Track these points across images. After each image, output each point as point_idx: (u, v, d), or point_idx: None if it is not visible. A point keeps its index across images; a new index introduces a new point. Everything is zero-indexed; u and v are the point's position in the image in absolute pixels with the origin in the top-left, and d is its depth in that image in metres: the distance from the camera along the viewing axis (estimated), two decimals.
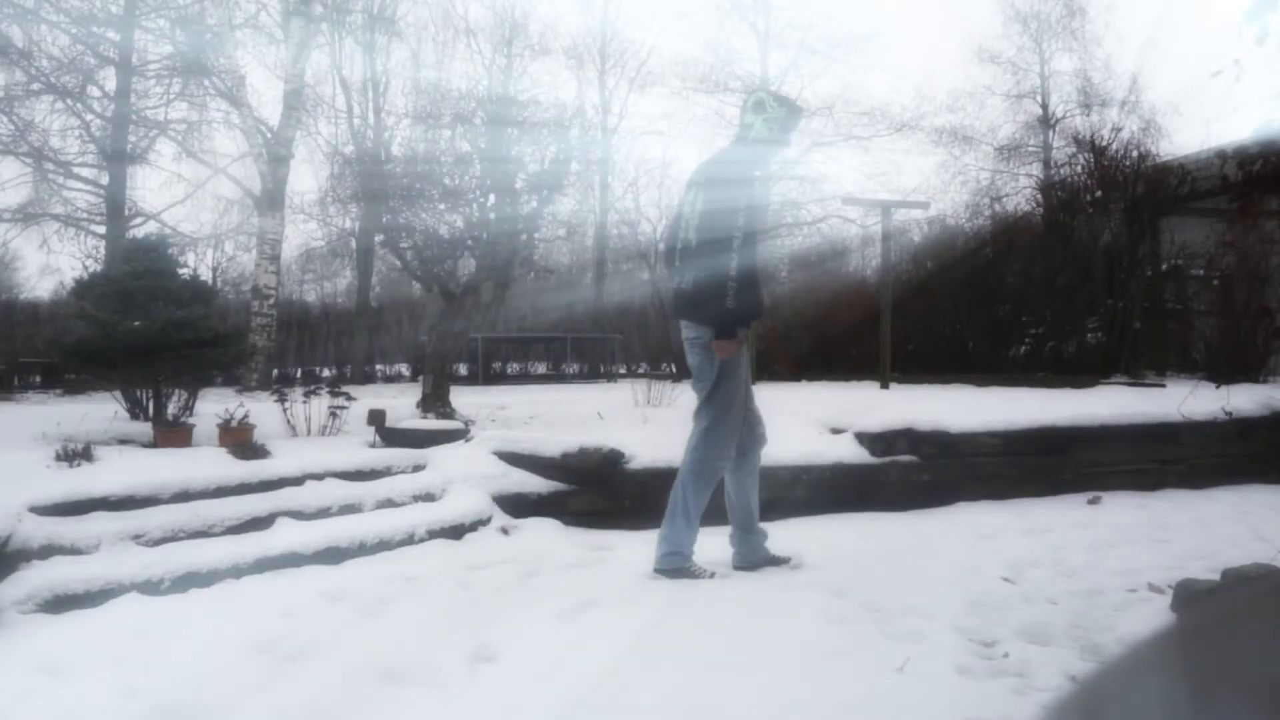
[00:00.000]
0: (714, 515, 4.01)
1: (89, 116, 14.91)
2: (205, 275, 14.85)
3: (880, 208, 9.52)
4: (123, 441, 5.51)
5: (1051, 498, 5.54)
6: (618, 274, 22.03)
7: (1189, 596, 3.19)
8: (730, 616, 3.22)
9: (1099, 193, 10.47)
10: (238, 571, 3.79)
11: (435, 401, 6.73)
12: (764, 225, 4.10)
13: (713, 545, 4.04)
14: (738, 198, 3.78)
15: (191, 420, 6.04)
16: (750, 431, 3.99)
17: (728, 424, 3.82)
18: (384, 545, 4.27)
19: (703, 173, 3.97)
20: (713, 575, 3.78)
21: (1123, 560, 4.01)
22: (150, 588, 3.54)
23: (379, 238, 8.93)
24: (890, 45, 37.73)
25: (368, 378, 15.09)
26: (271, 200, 12.18)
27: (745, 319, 3.83)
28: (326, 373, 15.02)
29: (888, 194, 21.17)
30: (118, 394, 6.57)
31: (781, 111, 3.96)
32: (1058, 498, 5.54)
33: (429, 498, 4.87)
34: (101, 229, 14.81)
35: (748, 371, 4.01)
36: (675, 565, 3.76)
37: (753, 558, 3.98)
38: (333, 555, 4.08)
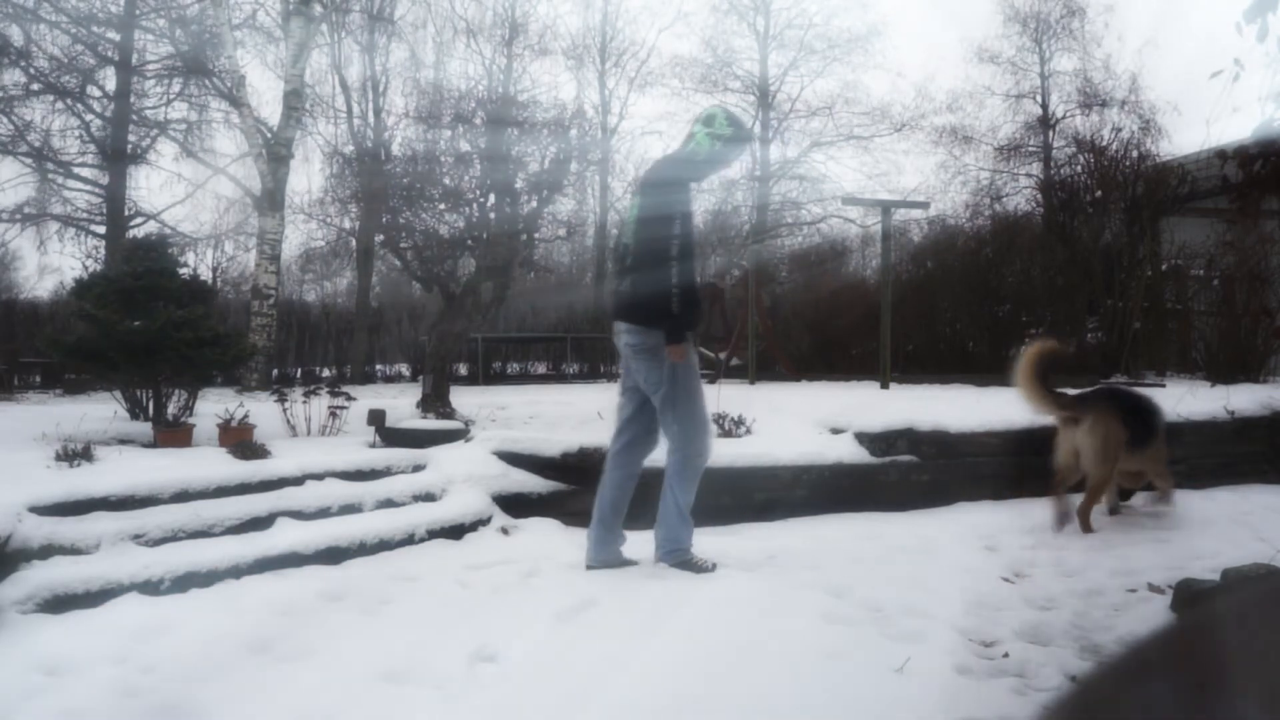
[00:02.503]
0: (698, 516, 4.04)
1: (89, 116, 14.92)
2: (205, 275, 14.81)
3: (880, 208, 9.53)
4: (123, 441, 5.51)
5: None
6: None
7: (1189, 596, 3.19)
8: (730, 616, 3.22)
9: (1099, 193, 10.47)
10: (238, 571, 3.79)
11: (435, 401, 6.73)
12: (695, 235, 4.17)
13: (707, 545, 4.05)
14: (674, 204, 3.80)
15: (191, 420, 6.04)
16: (650, 435, 4.03)
17: (697, 418, 3.89)
18: (384, 545, 4.27)
19: (643, 178, 3.99)
20: (714, 567, 3.87)
21: (1123, 560, 4.01)
22: (150, 587, 3.53)
23: (379, 238, 8.93)
24: (890, 45, 37.72)
25: (368, 378, 15.07)
26: (271, 200, 12.17)
27: (693, 324, 3.86)
28: (326, 373, 14.99)
29: (888, 194, 21.19)
30: (118, 394, 6.58)
31: (729, 130, 3.94)
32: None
33: (429, 498, 4.87)
34: (101, 229, 14.81)
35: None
36: (679, 559, 3.88)
37: (606, 556, 3.97)
38: (333, 555, 4.08)
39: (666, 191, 3.87)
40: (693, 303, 3.81)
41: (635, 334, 3.86)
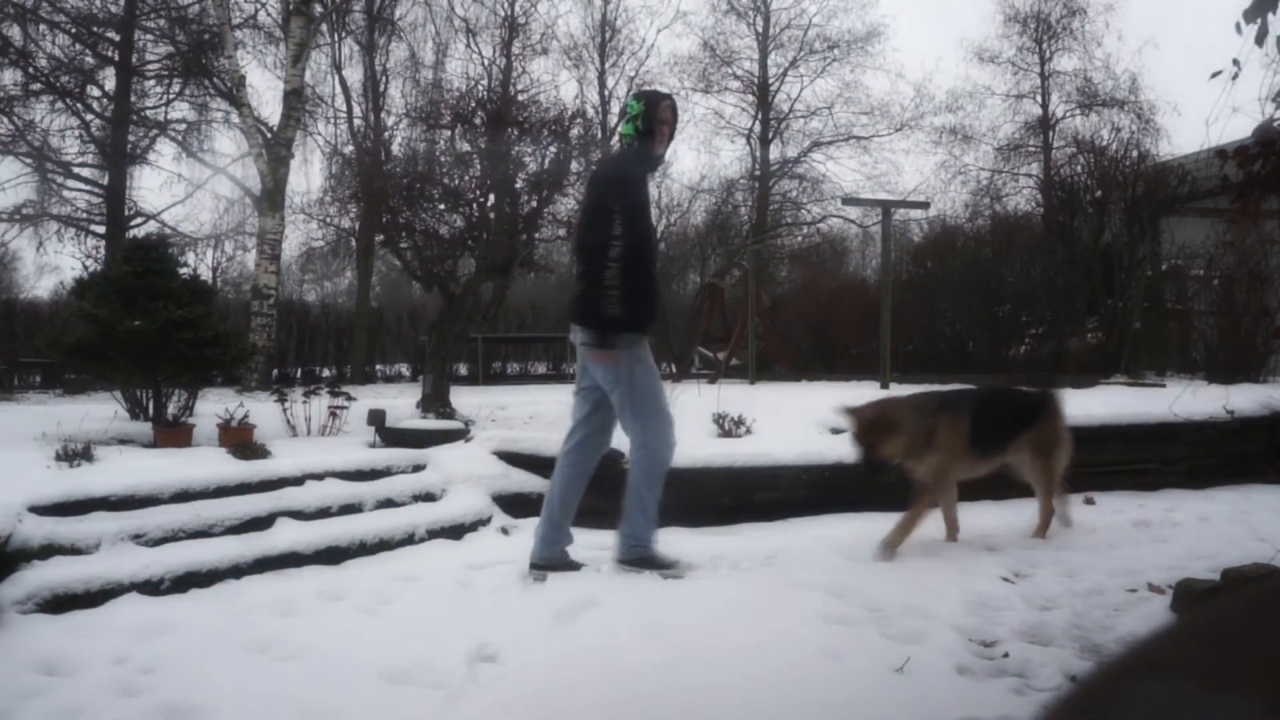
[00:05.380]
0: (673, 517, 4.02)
1: (89, 116, 14.91)
2: (205, 275, 14.81)
3: (880, 208, 9.52)
4: (123, 441, 5.51)
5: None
6: None
7: (1189, 596, 3.19)
8: (730, 616, 3.22)
9: (1099, 193, 10.47)
10: (238, 571, 3.79)
11: (435, 401, 6.73)
12: (645, 229, 4.00)
13: (707, 545, 4.05)
14: (612, 204, 3.72)
15: (191, 420, 6.04)
16: (602, 434, 4.00)
17: (659, 417, 3.85)
18: (384, 545, 4.27)
19: (589, 178, 3.91)
20: (676, 564, 3.83)
21: (1123, 560, 4.01)
22: (150, 588, 3.54)
23: (379, 238, 8.94)
24: (890, 45, 37.73)
25: (368, 378, 15.06)
26: (271, 200, 12.17)
27: (627, 326, 3.73)
28: (326, 373, 14.98)
29: (888, 194, 21.17)
30: (118, 394, 6.58)
31: (639, 106, 3.88)
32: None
33: (429, 498, 4.87)
34: (101, 229, 14.80)
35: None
36: (640, 554, 3.84)
37: (551, 555, 3.95)
38: (333, 555, 4.09)
39: (606, 190, 3.79)
40: (631, 304, 3.67)
41: (584, 333, 3.82)
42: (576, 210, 7.60)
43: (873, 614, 3.22)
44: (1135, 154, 11.46)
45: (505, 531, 4.72)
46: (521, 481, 5.12)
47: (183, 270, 6.62)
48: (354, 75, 17.55)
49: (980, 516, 4.92)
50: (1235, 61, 3.06)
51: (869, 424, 4.06)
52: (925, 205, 13.51)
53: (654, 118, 3.88)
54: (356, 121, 17.48)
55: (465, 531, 4.61)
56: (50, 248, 15.92)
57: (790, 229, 22.63)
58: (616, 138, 4.00)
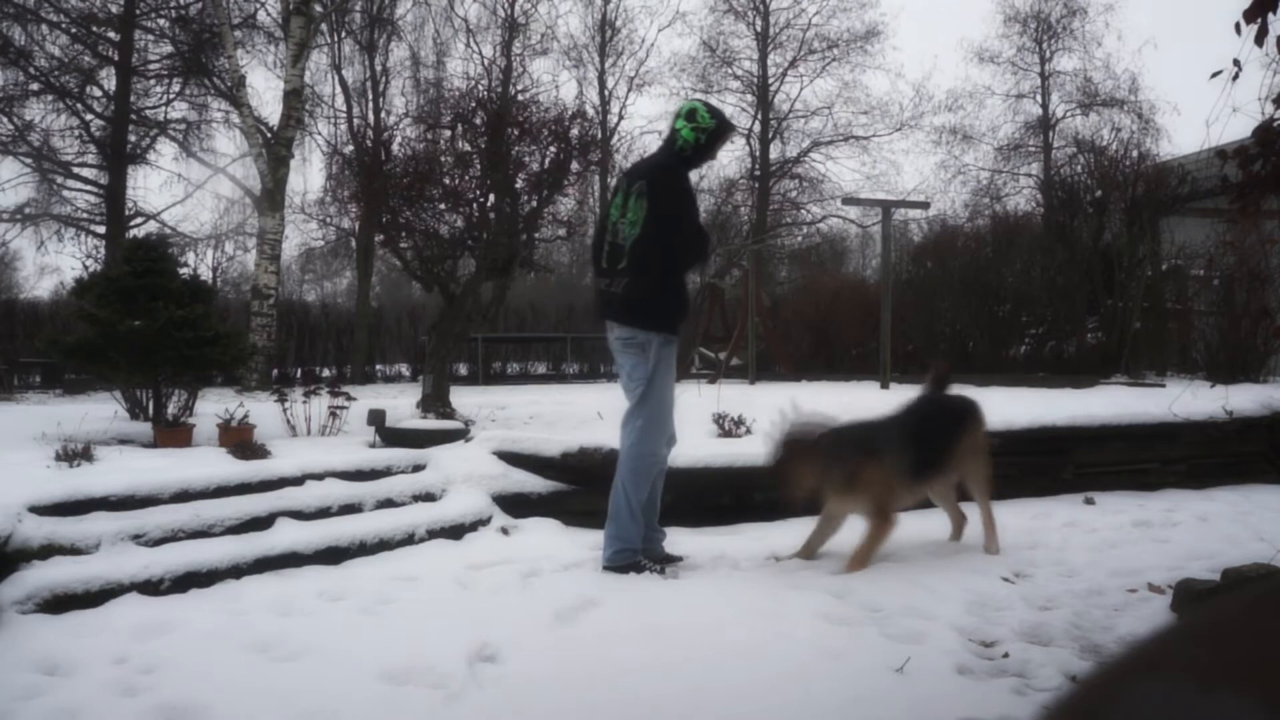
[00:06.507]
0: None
1: (89, 116, 14.92)
2: (205, 275, 14.83)
3: (880, 208, 9.53)
4: (123, 441, 5.51)
5: (1051, 498, 5.54)
6: None
7: (1189, 596, 3.20)
8: (731, 616, 3.22)
9: (1099, 193, 10.47)
10: (238, 571, 3.79)
11: (435, 401, 6.72)
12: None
13: (708, 545, 4.05)
14: (677, 205, 3.81)
15: (191, 420, 6.04)
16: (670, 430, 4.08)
17: (662, 420, 3.92)
18: (384, 545, 4.27)
19: (639, 178, 3.90)
20: (661, 571, 3.82)
21: (1123, 560, 4.01)
22: (150, 588, 3.54)
23: (379, 238, 8.94)
24: (890, 45, 37.72)
25: (368, 378, 15.07)
26: (271, 200, 12.17)
27: (665, 327, 3.89)
28: (326, 373, 14.99)
29: (887, 194, 21.18)
30: (118, 394, 6.58)
31: (712, 123, 3.92)
32: (1058, 498, 5.53)
33: (429, 498, 4.87)
34: (101, 229, 14.81)
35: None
36: (626, 560, 3.84)
37: (649, 553, 4.01)
38: (333, 555, 4.08)
39: (678, 190, 3.86)
40: (678, 305, 3.97)
41: (624, 329, 3.89)
42: (577, 211, 7.59)
43: (873, 614, 3.22)
44: (1135, 154, 11.48)
45: (505, 532, 4.72)
46: (521, 481, 5.12)
47: (183, 270, 6.62)
48: (354, 75, 17.57)
49: (979, 516, 4.92)
50: (1235, 61, 3.06)
51: (780, 462, 3.83)
52: (925, 205, 13.51)
53: (716, 145, 4.03)
54: (356, 121, 17.50)
55: (465, 531, 4.60)
56: (50, 248, 15.97)
57: (790, 229, 22.64)
58: (672, 134, 3.95)
